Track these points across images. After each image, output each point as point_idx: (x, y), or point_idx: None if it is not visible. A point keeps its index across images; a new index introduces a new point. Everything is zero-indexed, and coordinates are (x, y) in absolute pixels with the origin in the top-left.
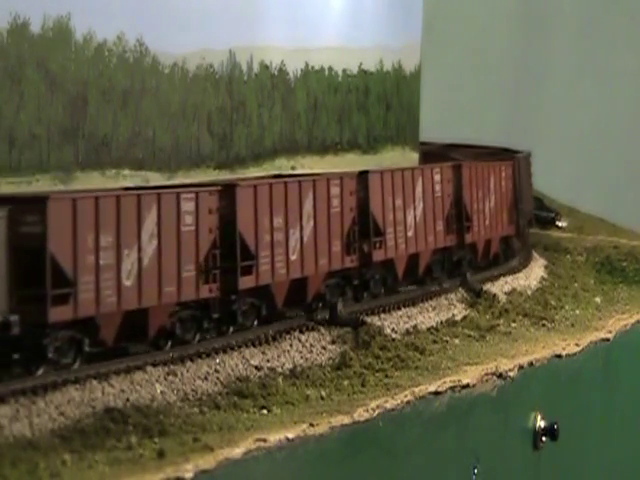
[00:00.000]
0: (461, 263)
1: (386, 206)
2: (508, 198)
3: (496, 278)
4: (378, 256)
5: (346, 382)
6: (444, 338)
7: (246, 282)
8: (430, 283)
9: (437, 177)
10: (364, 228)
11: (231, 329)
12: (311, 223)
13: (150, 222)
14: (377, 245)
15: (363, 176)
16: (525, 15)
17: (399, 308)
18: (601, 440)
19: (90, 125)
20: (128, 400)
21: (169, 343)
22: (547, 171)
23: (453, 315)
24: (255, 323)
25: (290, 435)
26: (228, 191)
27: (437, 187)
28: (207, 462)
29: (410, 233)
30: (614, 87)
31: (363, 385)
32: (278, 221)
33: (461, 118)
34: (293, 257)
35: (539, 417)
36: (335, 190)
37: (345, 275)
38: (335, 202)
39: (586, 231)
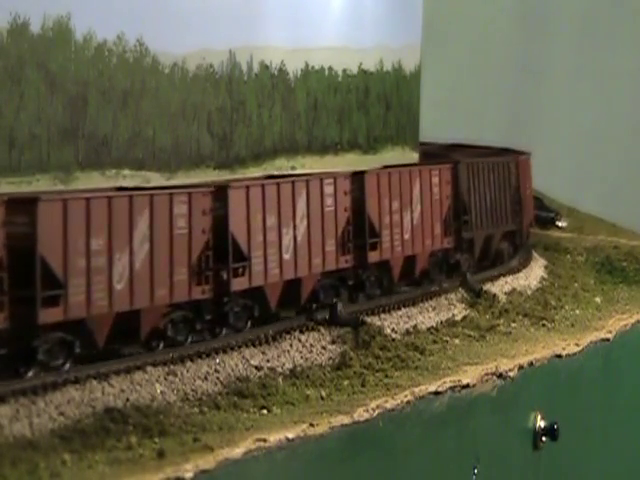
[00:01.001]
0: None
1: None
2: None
3: (496, 278)
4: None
5: (346, 382)
6: (444, 338)
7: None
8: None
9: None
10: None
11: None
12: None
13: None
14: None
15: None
16: (525, 15)
17: (399, 308)
18: (601, 440)
19: (90, 125)
20: (128, 400)
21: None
22: (547, 171)
23: (453, 315)
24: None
25: (290, 435)
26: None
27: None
28: (207, 462)
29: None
30: (614, 87)
31: (363, 385)
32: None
33: (461, 118)
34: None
35: (539, 417)
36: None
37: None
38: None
39: (586, 231)
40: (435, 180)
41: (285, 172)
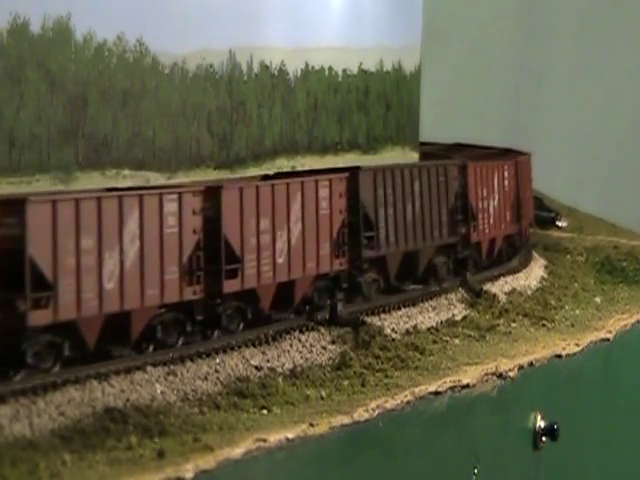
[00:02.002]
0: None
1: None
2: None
3: (496, 278)
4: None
5: (346, 382)
6: (444, 338)
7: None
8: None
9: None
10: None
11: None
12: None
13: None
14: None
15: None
16: (525, 15)
17: (399, 308)
18: (601, 440)
19: (90, 125)
20: (128, 400)
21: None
22: (547, 171)
23: (453, 315)
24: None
25: (290, 435)
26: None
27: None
28: (207, 462)
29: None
30: (614, 87)
31: (363, 385)
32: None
33: (461, 118)
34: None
35: (539, 417)
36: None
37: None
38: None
39: (586, 231)
40: (323, 193)
41: (284, 170)
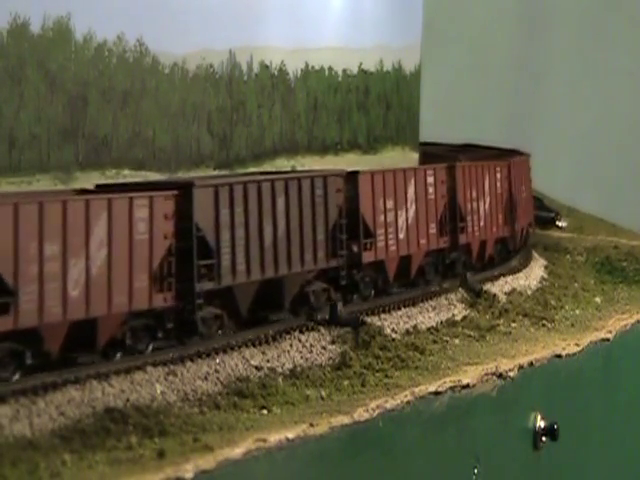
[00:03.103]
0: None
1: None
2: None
3: (496, 278)
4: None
5: (346, 382)
6: (444, 338)
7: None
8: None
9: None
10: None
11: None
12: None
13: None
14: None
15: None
16: (525, 15)
17: (399, 308)
18: (601, 440)
19: (90, 125)
20: (128, 400)
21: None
22: (547, 171)
23: (453, 315)
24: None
25: (290, 435)
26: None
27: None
28: (207, 462)
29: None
30: (614, 87)
31: (363, 385)
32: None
33: (461, 118)
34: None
35: (539, 417)
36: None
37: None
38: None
39: (586, 231)
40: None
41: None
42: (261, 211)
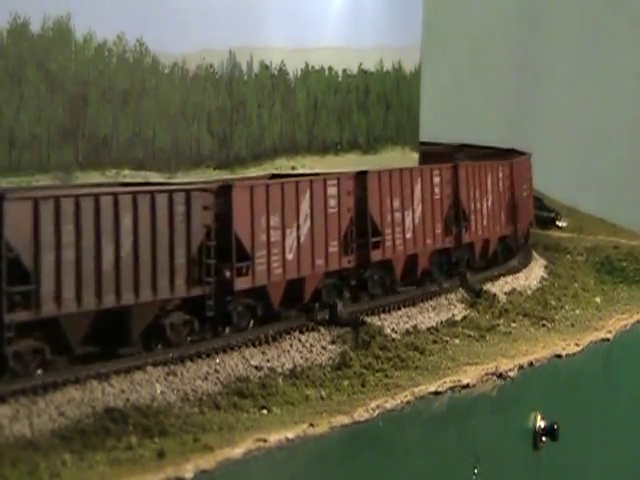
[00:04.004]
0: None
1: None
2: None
3: (496, 278)
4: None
5: (346, 382)
6: (444, 338)
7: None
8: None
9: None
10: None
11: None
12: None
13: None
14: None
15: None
16: (525, 15)
17: (399, 308)
18: (601, 440)
19: (90, 125)
20: (128, 400)
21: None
22: (547, 171)
23: (453, 315)
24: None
25: (290, 435)
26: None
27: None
28: (207, 462)
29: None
30: (614, 87)
31: (363, 385)
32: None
33: (461, 118)
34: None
35: (539, 417)
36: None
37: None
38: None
39: (586, 231)
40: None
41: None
42: (99, 229)
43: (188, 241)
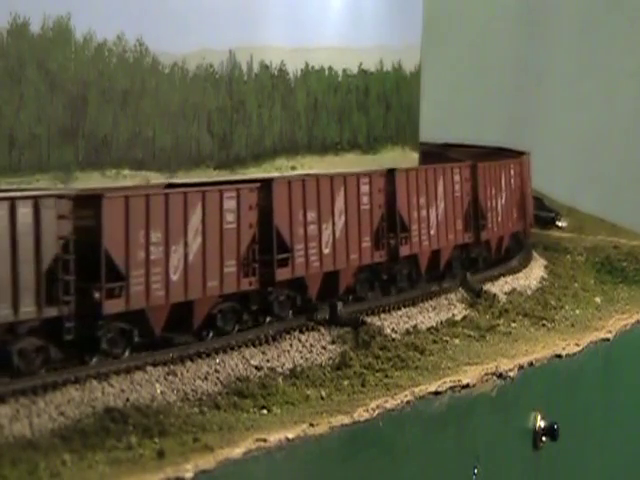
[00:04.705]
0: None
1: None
2: None
3: (496, 278)
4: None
5: (346, 382)
6: (444, 338)
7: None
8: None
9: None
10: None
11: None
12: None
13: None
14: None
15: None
16: (525, 15)
17: (399, 308)
18: (601, 440)
19: (90, 125)
20: (128, 400)
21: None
22: (547, 171)
23: (453, 315)
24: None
25: (290, 435)
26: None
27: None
28: (207, 462)
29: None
30: (614, 87)
31: (363, 385)
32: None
33: (461, 118)
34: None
35: (539, 417)
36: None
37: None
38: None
39: (586, 231)
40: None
41: (287, 172)
42: None
43: (37, 255)
